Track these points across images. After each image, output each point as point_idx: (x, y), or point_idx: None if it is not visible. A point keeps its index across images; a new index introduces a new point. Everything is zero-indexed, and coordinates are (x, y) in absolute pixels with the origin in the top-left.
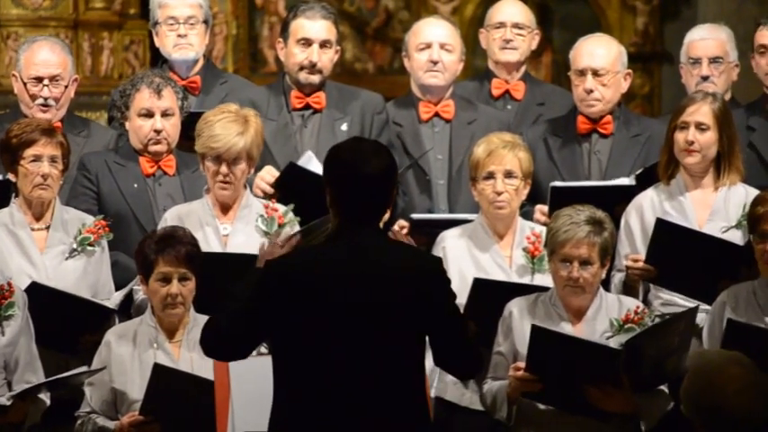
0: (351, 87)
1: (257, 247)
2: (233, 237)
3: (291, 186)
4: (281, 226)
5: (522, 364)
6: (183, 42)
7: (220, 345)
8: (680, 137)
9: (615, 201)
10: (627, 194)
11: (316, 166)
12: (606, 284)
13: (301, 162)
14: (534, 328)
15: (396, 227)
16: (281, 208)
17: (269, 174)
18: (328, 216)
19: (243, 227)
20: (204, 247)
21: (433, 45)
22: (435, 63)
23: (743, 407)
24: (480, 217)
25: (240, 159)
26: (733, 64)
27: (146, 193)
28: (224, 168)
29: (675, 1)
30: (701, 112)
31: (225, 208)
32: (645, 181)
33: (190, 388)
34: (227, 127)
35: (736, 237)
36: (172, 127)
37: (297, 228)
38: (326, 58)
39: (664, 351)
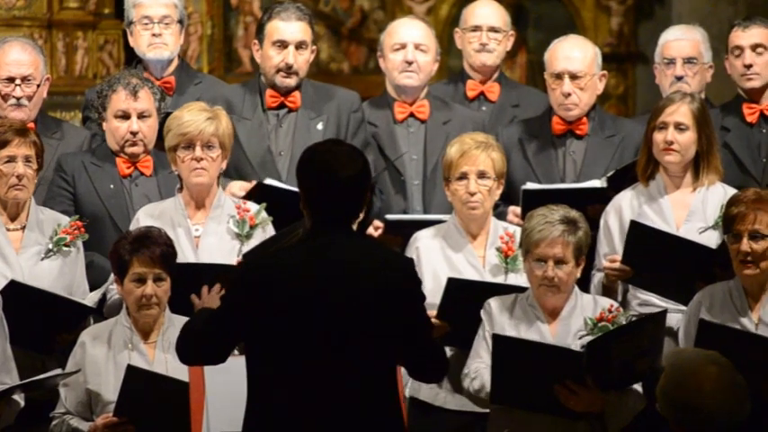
0: (327, 85)
1: (228, 250)
2: (204, 238)
3: (261, 201)
4: (252, 227)
5: None
6: (158, 42)
7: (197, 350)
8: (659, 137)
9: (586, 203)
10: (598, 196)
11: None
12: (586, 284)
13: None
14: (495, 337)
15: (371, 228)
16: (254, 208)
17: (238, 189)
18: (298, 222)
19: (215, 227)
20: (176, 248)
21: (407, 45)
22: (410, 63)
23: (719, 406)
24: (454, 217)
25: (213, 146)
26: (707, 65)
27: (122, 193)
28: (198, 151)
29: (650, 1)
30: (680, 112)
31: (197, 207)
32: (616, 183)
33: (164, 389)
34: (195, 113)
35: (714, 237)
36: (148, 128)
37: (270, 228)
38: (302, 60)
39: (633, 352)
